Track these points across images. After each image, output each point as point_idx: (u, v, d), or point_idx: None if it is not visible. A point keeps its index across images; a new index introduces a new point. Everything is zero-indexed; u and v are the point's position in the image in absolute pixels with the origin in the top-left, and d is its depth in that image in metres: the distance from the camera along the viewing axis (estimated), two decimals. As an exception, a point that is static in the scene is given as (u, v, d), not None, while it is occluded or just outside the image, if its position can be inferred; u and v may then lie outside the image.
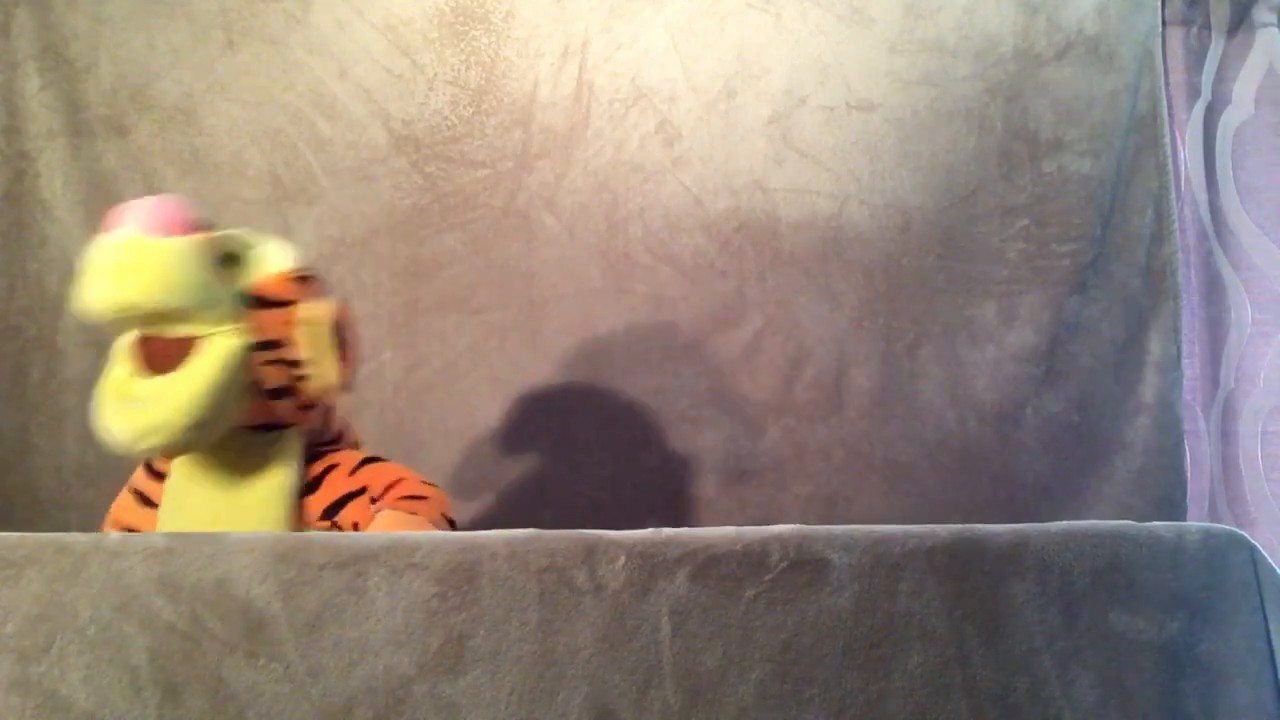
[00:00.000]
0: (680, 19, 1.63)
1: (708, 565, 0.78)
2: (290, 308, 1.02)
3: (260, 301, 0.99)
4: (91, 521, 1.52)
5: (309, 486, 1.03)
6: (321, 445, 1.07)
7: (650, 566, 0.77)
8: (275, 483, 1.01)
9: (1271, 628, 0.81)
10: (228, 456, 1.00)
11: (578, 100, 1.62)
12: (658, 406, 1.60)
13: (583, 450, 1.59)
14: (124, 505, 1.07)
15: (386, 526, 0.98)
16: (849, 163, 1.62)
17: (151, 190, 1.59)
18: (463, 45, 1.62)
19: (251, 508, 0.99)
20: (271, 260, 1.03)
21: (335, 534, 0.83)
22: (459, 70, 1.62)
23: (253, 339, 0.98)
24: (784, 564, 0.78)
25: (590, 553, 0.78)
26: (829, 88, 1.63)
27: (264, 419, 1.01)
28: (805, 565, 0.78)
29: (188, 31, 1.61)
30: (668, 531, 0.80)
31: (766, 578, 0.78)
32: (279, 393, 1.01)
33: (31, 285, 1.58)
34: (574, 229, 1.62)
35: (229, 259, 0.99)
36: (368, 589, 0.76)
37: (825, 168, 1.62)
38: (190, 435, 0.93)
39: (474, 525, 1.28)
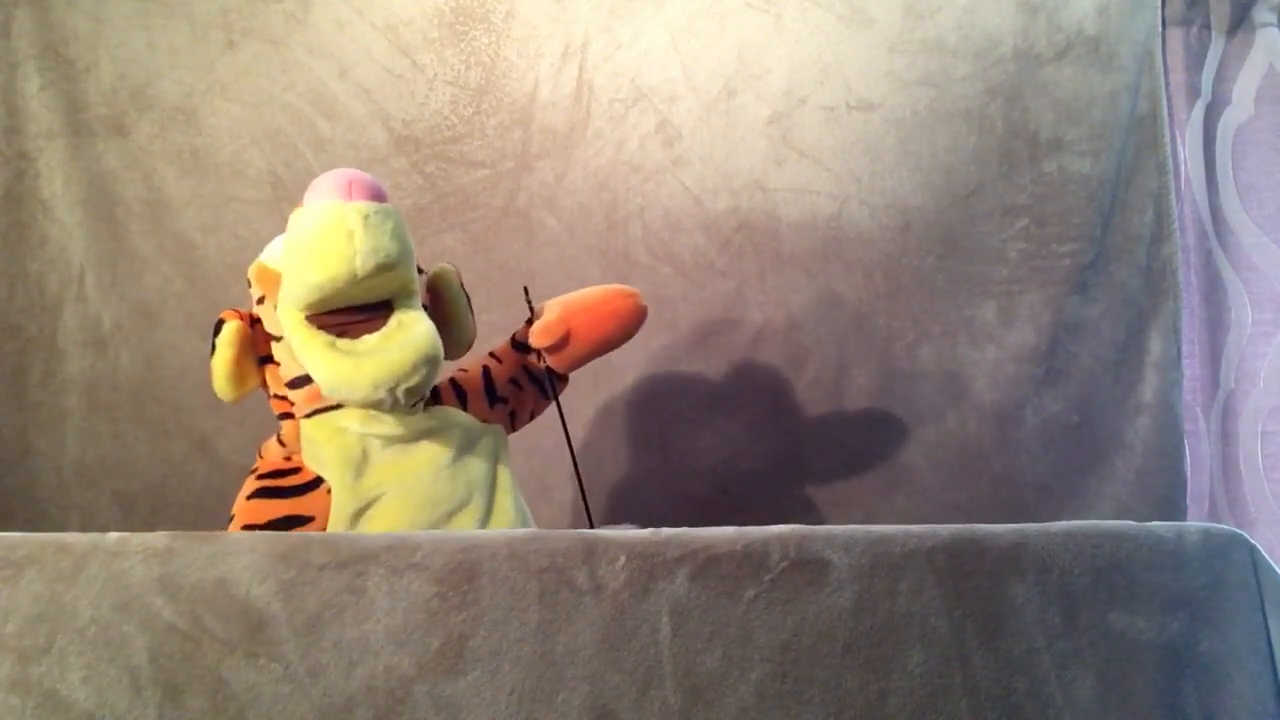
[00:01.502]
0: (680, 19, 1.63)
1: (708, 565, 0.78)
2: (423, 275, 1.07)
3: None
4: (91, 522, 1.52)
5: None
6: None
7: (650, 566, 0.77)
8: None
9: (1271, 628, 0.81)
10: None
11: (578, 100, 1.62)
12: (658, 406, 1.60)
13: (583, 450, 1.59)
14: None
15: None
16: (849, 163, 1.62)
17: (152, 190, 1.59)
18: (463, 45, 1.62)
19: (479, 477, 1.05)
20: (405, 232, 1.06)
21: (335, 534, 0.82)
22: (459, 70, 1.62)
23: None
24: (784, 564, 0.78)
25: (590, 553, 0.78)
26: (829, 88, 1.63)
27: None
28: (805, 565, 0.78)
29: (188, 31, 1.61)
30: (668, 531, 0.80)
31: (766, 578, 0.78)
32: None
33: (31, 285, 1.58)
34: (574, 229, 1.62)
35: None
36: (368, 589, 0.76)
37: (825, 168, 1.62)
38: (439, 367, 0.98)
39: (474, 525, 1.28)
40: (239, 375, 1.02)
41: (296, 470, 1.02)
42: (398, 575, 0.76)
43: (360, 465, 1.00)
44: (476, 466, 1.05)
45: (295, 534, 0.84)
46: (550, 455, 1.59)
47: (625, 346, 1.63)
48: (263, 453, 1.07)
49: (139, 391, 1.57)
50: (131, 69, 1.60)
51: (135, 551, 0.77)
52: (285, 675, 0.74)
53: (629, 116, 1.62)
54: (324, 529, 0.98)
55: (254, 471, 1.05)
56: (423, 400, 1.02)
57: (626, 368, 1.60)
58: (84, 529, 0.81)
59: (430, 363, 0.96)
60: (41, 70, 1.59)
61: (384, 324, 0.97)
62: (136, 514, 1.53)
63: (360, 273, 0.92)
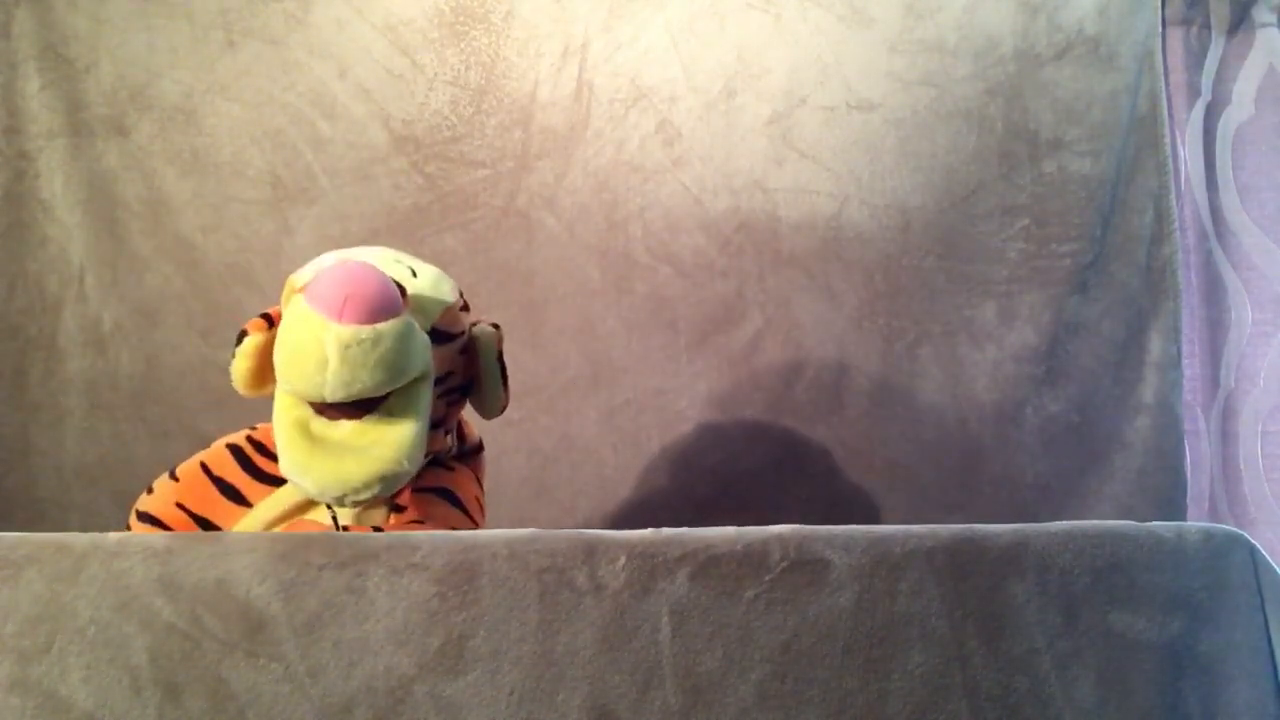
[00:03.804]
0: (680, 19, 1.63)
1: (708, 565, 0.78)
2: (460, 339, 1.01)
3: (436, 335, 0.97)
4: (91, 522, 1.52)
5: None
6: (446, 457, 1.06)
7: (650, 566, 0.77)
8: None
9: (1271, 628, 0.81)
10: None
11: (578, 100, 1.62)
12: (658, 406, 1.60)
13: (583, 450, 1.59)
14: (198, 494, 1.00)
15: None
16: (849, 163, 1.62)
17: (152, 190, 1.59)
18: (463, 45, 1.62)
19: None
20: (438, 291, 1.00)
21: (335, 534, 0.82)
22: (459, 70, 1.62)
23: (440, 372, 0.96)
24: (784, 564, 0.78)
25: (590, 553, 0.78)
26: (829, 88, 1.63)
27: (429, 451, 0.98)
28: (805, 565, 0.78)
29: (188, 31, 1.61)
30: (668, 531, 0.80)
31: (766, 578, 0.78)
32: (437, 424, 0.99)
33: (31, 285, 1.58)
34: (574, 229, 1.62)
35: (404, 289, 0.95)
36: (368, 589, 0.76)
37: (825, 168, 1.62)
38: (404, 482, 0.91)
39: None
40: (258, 381, 0.99)
41: (275, 459, 1.00)
42: (398, 575, 0.76)
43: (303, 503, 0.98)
44: None
45: (295, 534, 0.84)
46: (550, 456, 1.59)
47: (625, 346, 1.64)
48: (262, 426, 1.06)
49: (139, 391, 1.57)
50: (131, 69, 1.60)
51: (135, 551, 0.77)
52: (285, 675, 0.74)
53: (629, 116, 1.62)
54: (243, 524, 0.98)
55: (254, 429, 1.04)
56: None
57: (626, 368, 1.60)
58: (84, 529, 0.81)
59: (386, 480, 0.89)
60: (41, 70, 1.59)
61: (368, 416, 0.91)
62: (136, 514, 1.53)
63: (330, 399, 0.88)
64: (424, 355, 0.92)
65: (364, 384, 0.87)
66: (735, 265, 1.62)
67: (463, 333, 1.02)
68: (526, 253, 1.61)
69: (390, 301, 0.89)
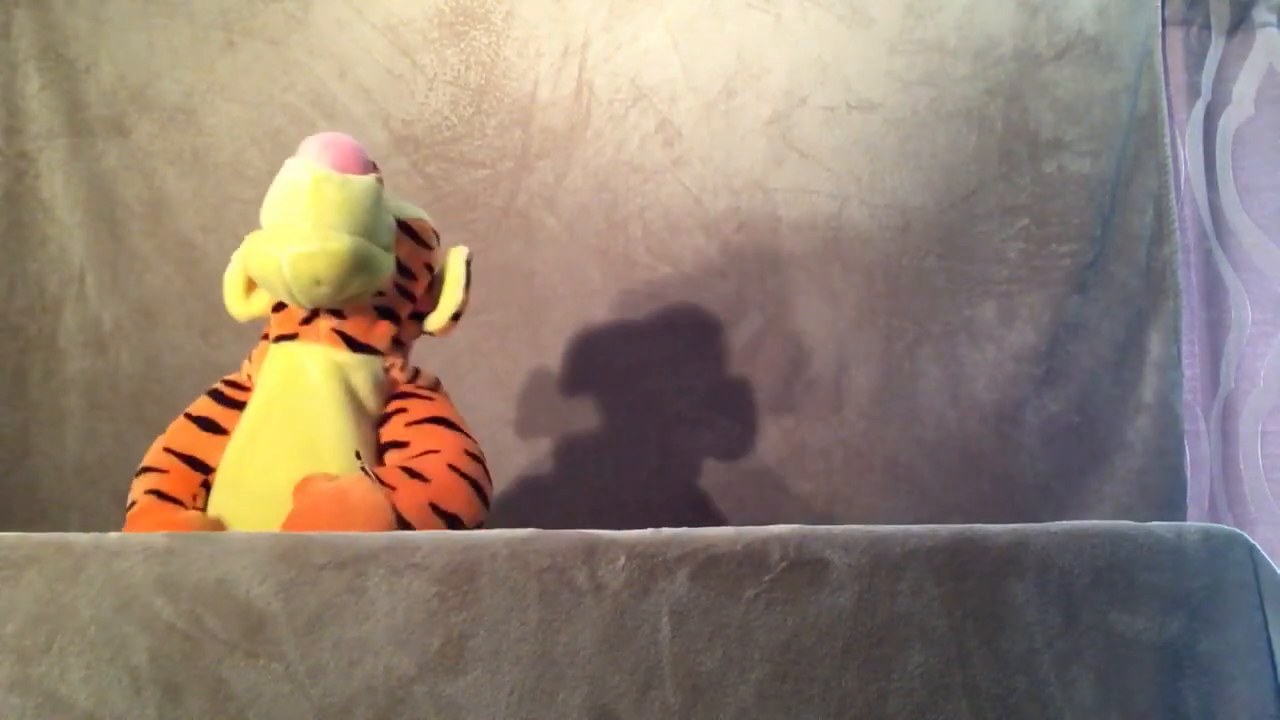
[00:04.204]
0: (680, 19, 1.63)
1: (708, 565, 0.78)
2: (423, 247, 1.08)
3: (405, 230, 1.06)
4: (91, 522, 1.52)
5: (381, 419, 1.05)
6: (406, 389, 1.09)
7: (650, 566, 0.77)
8: (336, 414, 1.01)
9: (1271, 628, 0.81)
10: (314, 379, 1.02)
11: (578, 100, 1.62)
12: (658, 406, 1.60)
13: (582, 450, 1.59)
14: (182, 436, 1.06)
15: (344, 492, 0.94)
16: (849, 163, 1.62)
17: (152, 190, 1.59)
18: (463, 45, 1.62)
19: (319, 438, 1.00)
20: (417, 211, 1.10)
21: (335, 534, 0.82)
22: (459, 70, 1.62)
23: (399, 262, 1.04)
24: (784, 564, 0.78)
25: (590, 553, 0.78)
26: (829, 88, 1.63)
27: (365, 328, 1.05)
28: (805, 565, 0.78)
29: (188, 31, 1.61)
30: (668, 531, 0.80)
31: (766, 578, 0.78)
32: (389, 314, 1.06)
33: (31, 285, 1.58)
34: (574, 229, 1.62)
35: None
36: (368, 589, 0.76)
37: (825, 168, 1.62)
38: (374, 274, 0.99)
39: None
40: (246, 294, 1.08)
41: (247, 389, 1.06)
42: (398, 575, 0.76)
43: (275, 401, 1.02)
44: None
45: (295, 534, 0.84)
46: (549, 455, 1.59)
47: (625, 346, 1.64)
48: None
49: (139, 391, 1.57)
50: (131, 69, 1.60)
51: (135, 551, 0.76)
52: (285, 675, 0.74)
53: (629, 116, 1.62)
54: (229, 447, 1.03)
55: (225, 376, 1.10)
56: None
57: (626, 368, 1.60)
58: (84, 529, 0.81)
59: (356, 258, 0.97)
60: (41, 70, 1.59)
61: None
62: (136, 514, 1.53)
63: (305, 234, 0.96)
64: (389, 228, 1.02)
65: (333, 222, 0.96)
66: (735, 265, 1.62)
67: (428, 245, 1.09)
68: (526, 253, 1.61)
69: (365, 161, 1.01)
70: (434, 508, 0.98)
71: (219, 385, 1.08)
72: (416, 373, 1.11)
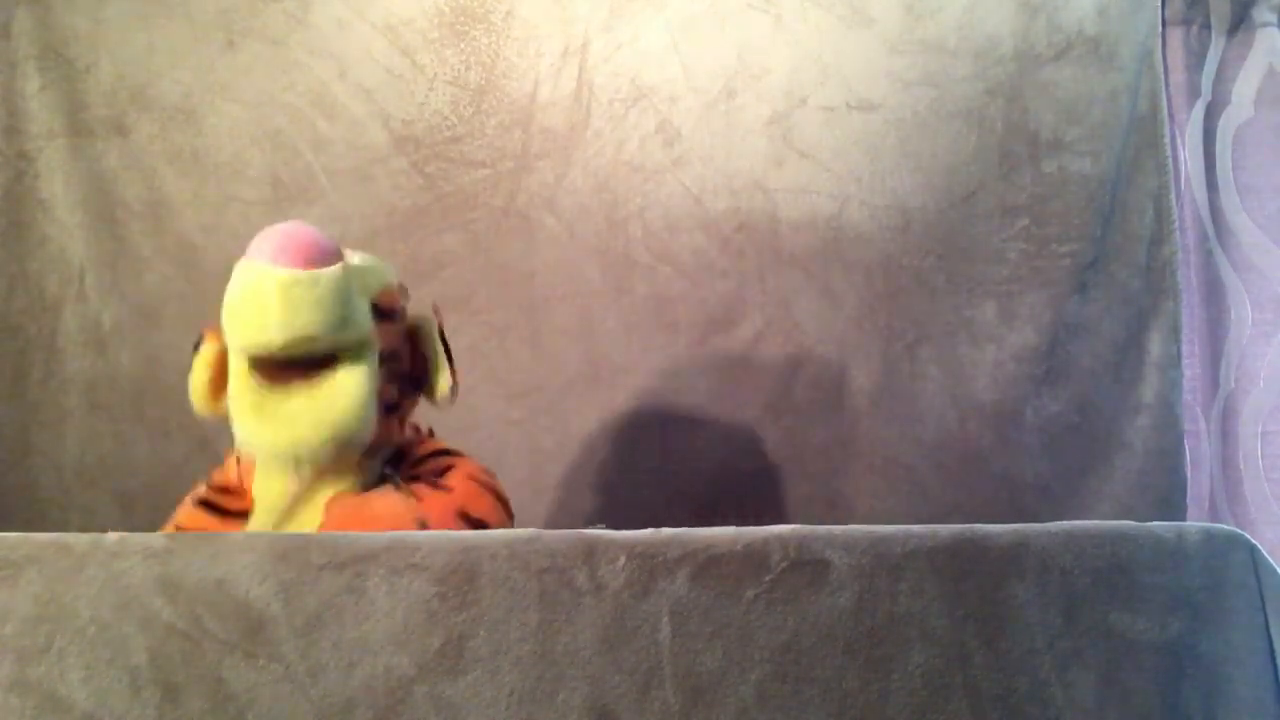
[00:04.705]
0: (680, 19, 1.63)
1: (708, 565, 0.78)
2: (400, 319, 1.03)
3: (378, 313, 0.99)
4: (91, 522, 1.52)
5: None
6: (406, 453, 1.06)
7: (650, 566, 0.77)
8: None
9: (1271, 628, 0.81)
10: (326, 485, 0.98)
11: (578, 100, 1.62)
12: (658, 406, 1.60)
13: (583, 450, 1.59)
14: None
15: (375, 509, 0.95)
16: (849, 163, 1.62)
17: (152, 190, 1.59)
18: (463, 45, 1.62)
19: None
20: (379, 271, 1.03)
21: (335, 534, 0.82)
22: (459, 70, 1.62)
23: (381, 351, 0.98)
24: (784, 564, 0.78)
25: (590, 553, 0.78)
26: (829, 88, 1.62)
27: (381, 438, 1.00)
28: (805, 565, 0.78)
29: (188, 31, 1.61)
30: (668, 531, 0.80)
31: (766, 578, 0.78)
32: (392, 408, 1.01)
33: (31, 285, 1.58)
34: (574, 229, 1.62)
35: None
36: (368, 589, 0.76)
37: (825, 168, 1.62)
38: (358, 442, 0.95)
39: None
40: (214, 394, 1.00)
41: (241, 494, 1.02)
42: (398, 575, 0.76)
43: (283, 517, 0.98)
44: None
45: (295, 534, 0.84)
46: (549, 455, 1.59)
47: (625, 346, 1.64)
48: (213, 474, 1.06)
49: (139, 391, 1.57)
50: (131, 69, 1.60)
51: (135, 551, 0.76)
52: (285, 675, 0.74)
53: (629, 116, 1.62)
54: None
55: (207, 483, 1.05)
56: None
57: (626, 368, 1.60)
58: (84, 529, 0.81)
59: (339, 438, 0.93)
60: (41, 70, 1.59)
61: (317, 376, 0.93)
62: (136, 514, 1.53)
63: (277, 344, 0.90)
64: (365, 316, 0.96)
65: (306, 323, 0.90)
66: (735, 265, 1.62)
67: (403, 314, 1.04)
68: (526, 253, 1.61)
69: (327, 250, 0.93)
70: (462, 514, 0.98)
71: (208, 495, 1.03)
72: (415, 430, 1.11)
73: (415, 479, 1.02)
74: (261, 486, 0.99)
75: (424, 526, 0.94)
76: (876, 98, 1.62)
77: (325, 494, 0.97)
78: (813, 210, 1.62)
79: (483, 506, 1.01)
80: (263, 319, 0.90)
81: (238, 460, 1.04)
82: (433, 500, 0.98)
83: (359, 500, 0.96)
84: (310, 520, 0.97)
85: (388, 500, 0.96)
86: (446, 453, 1.07)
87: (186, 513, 1.03)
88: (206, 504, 1.02)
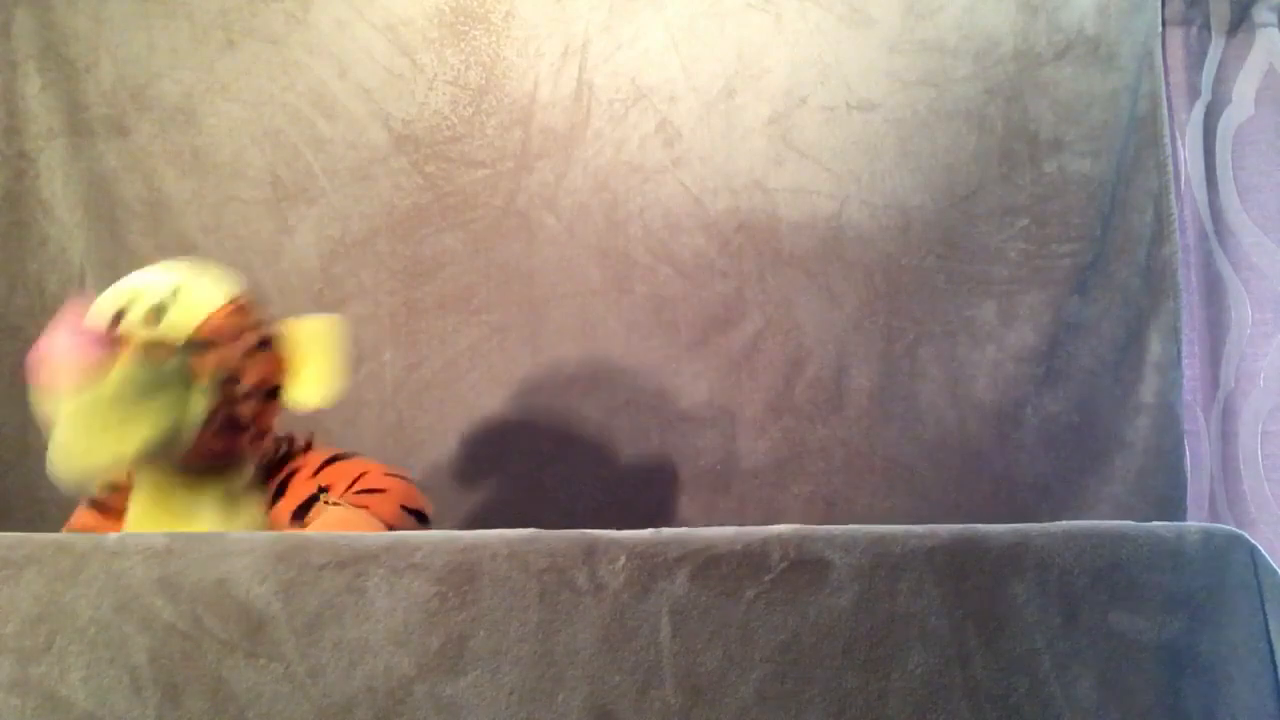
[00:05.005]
0: (680, 19, 1.63)
1: (708, 565, 0.78)
2: (241, 339, 1.03)
3: (196, 346, 1.00)
4: (91, 521, 1.52)
5: (274, 495, 1.05)
6: (276, 458, 1.09)
7: (650, 566, 0.77)
8: (242, 518, 1.02)
9: (1271, 628, 0.81)
10: (180, 497, 1.01)
11: (578, 100, 1.62)
12: (658, 406, 1.60)
13: (583, 450, 1.59)
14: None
15: (334, 522, 0.97)
16: (849, 163, 1.62)
17: (152, 190, 1.59)
18: (463, 45, 1.62)
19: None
20: (203, 298, 1.04)
21: (335, 534, 0.82)
22: (459, 70, 1.62)
23: (217, 378, 1.00)
24: (784, 564, 0.78)
25: (590, 553, 0.78)
26: (829, 88, 1.62)
27: (224, 452, 1.02)
28: (805, 565, 0.78)
29: (188, 31, 1.61)
30: (668, 531, 0.80)
31: (766, 578, 0.78)
32: (238, 425, 1.03)
33: (31, 285, 1.58)
34: (574, 229, 1.61)
35: (158, 310, 0.99)
36: (368, 589, 0.76)
37: (825, 168, 1.62)
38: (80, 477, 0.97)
39: (474, 525, 1.28)
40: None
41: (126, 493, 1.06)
42: (398, 575, 0.76)
43: (147, 511, 1.02)
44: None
45: (295, 534, 0.84)
46: (548, 457, 1.59)
47: (625, 346, 1.64)
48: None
49: (139, 391, 1.57)
50: (131, 69, 1.60)
51: (135, 551, 0.76)
52: (285, 675, 0.74)
53: (629, 116, 1.62)
54: None
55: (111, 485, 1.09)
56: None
57: (626, 368, 1.60)
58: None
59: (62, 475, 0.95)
60: (41, 70, 1.59)
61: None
62: (136, 514, 1.53)
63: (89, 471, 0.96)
64: (164, 383, 0.96)
65: (93, 451, 0.94)
66: (735, 265, 1.62)
67: (238, 332, 1.04)
68: (526, 253, 1.61)
69: (95, 343, 0.95)
70: (404, 509, 1.03)
71: (100, 495, 1.09)
72: (290, 441, 1.12)
73: (326, 489, 1.04)
74: (134, 505, 1.03)
75: (390, 528, 0.96)
76: (876, 98, 1.62)
77: (201, 500, 1.01)
78: (813, 210, 1.62)
79: (417, 499, 1.06)
80: (64, 453, 0.95)
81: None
82: (374, 502, 1.01)
83: (325, 519, 0.99)
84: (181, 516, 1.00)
85: (346, 511, 0.99)
86: (339, 458, 1.09)
87: (77, 513, 1.09)
88: (95, 503, 1.08)
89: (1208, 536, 0.84)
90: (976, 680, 0.77)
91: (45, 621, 0.74)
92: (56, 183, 1.58)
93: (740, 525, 0.82)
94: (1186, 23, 1.64)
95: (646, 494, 1.59)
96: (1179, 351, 1.60)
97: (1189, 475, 1.60)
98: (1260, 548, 0.84)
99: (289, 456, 1.09)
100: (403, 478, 1.07)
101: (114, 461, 0.95)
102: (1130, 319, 1.61)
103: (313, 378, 1.05)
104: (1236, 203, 1.60)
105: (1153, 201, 1.62)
